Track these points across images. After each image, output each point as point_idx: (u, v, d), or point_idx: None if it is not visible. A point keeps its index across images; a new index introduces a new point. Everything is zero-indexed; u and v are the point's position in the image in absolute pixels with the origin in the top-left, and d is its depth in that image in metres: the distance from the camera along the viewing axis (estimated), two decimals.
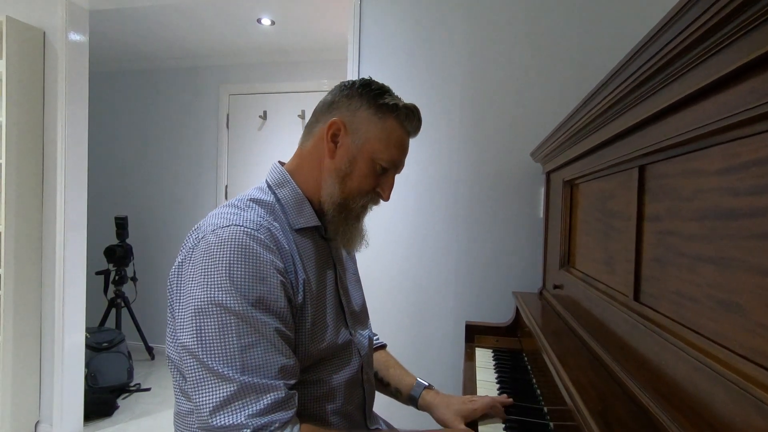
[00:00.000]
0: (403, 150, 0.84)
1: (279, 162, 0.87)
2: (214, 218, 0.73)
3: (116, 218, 3.11)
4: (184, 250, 0.72)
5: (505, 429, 0.89)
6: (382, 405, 1.24)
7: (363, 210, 0.85)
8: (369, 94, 0.81)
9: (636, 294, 0.73)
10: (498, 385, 1.11)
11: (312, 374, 0.77)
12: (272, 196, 0.81)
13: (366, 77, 0.86)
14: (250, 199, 0.79)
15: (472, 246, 1.76)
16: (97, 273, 3.02)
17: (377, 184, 0.84)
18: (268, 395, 0.64)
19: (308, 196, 0.83)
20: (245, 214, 0.73)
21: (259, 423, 0.63)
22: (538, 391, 1.04)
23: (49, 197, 2.17)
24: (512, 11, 1.71)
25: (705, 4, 0.44)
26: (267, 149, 3.26)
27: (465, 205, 1.77)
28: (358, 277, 1.00)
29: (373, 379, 0.96)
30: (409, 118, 0.83)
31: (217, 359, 0.64)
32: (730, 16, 0.42)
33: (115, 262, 3.07)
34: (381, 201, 0.87)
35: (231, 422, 0.62)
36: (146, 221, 3.44)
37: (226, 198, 3.32)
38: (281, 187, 0.82)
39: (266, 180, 0.85)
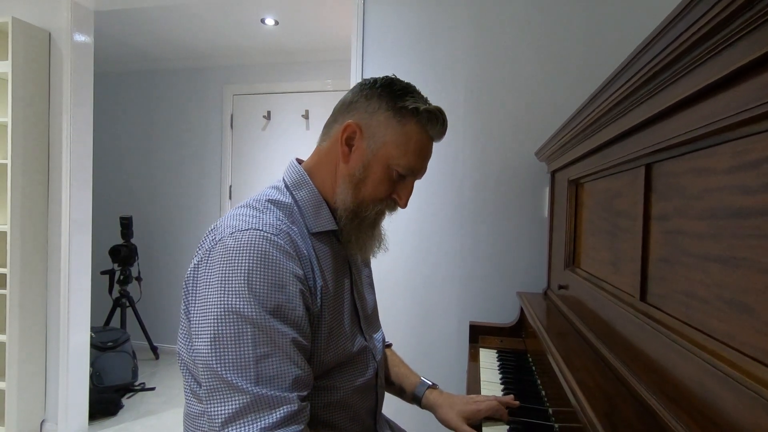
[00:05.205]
0: (423, 156, 0.79)
1: (297, 159, 0.84)
2: (232, 219, 0.70)
3: (121, 218, 3.13)
4: (200, 251, 0.70)
5: (509, 430, 0.88)
6: (389, 404, 1.23)
7: (378, 216, 0.81)
8: (389, 95, 0.76)
9: (642, 294, 0.72)
10: (502, 386, 1.10)
11: (327, 380, 0.75)
12: (290, 197, 0.78)
13: (390, 75, 0.80)
14: (268, 200, 0.75)
15: (477, 246, 1.76)
16: (102, 273, 3.04)
17: (393, 190, 0.79)
18: (281, 408, 0.62)
19: (325, 198, 0.80)
20: (264, 217, 0.70)
21: None
22: (543, 392, 1.03)
23: (55, 197, 2.18)
24: (517, 9, 1.70)
25: None
26: (271, 149, 3.27)
27: (469, 205, 1.76)
28: (372, 280, 0.98)
29: (384, 382, 0.95)
30: (431, 122, 0.77)
31: (231, 369, 0.62)
32: (739, 10, 0.41)
33: (120, 261, 3.09)
34: (398, 208, 0.82)
35: None
36: (151, 221, 3.46)
37: (230, 198, 3.33)
38: (299, 189, 0.79)
39: (283, 178, 0.82)
